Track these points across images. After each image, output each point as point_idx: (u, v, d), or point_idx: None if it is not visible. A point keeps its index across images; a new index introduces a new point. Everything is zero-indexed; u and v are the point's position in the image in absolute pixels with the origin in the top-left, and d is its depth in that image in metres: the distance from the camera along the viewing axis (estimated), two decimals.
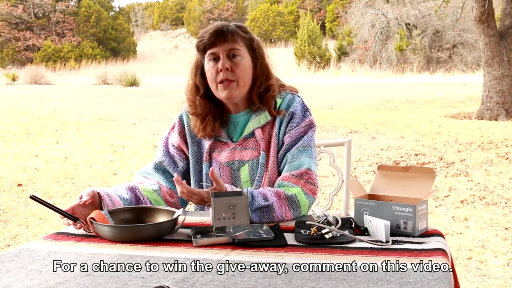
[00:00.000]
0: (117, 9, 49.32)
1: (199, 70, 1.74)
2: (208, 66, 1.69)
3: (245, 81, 1.69)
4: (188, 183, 1.80)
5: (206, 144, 1.76)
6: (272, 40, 42.81)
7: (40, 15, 40.39)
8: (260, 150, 1.71)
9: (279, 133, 1.72)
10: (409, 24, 27.56)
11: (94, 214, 1.42)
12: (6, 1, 38.07)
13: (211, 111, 1.74)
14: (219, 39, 1.66)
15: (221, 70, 1.65)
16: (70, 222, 1.48)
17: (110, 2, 44.69)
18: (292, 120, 1.70)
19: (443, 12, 22.04)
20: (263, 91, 1.72)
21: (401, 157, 6.81)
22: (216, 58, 1.67)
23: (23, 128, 9.93)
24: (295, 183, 1.62)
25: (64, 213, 1.47)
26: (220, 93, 1.68)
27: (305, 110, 1.72)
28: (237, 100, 1.71)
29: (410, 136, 8.42)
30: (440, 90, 17.93)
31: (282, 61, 29.83)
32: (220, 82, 1.66)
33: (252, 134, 1.72)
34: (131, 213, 1.54)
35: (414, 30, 27.20)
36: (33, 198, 1.47)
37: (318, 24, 30.48)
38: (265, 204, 1.52)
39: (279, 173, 1.70)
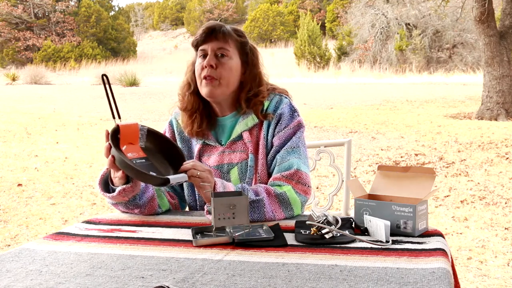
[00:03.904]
0: (117, 9, 49.32)
1: (192, 67, 1.76)
2: (197, 63, 1.71)
3: (228, 82, 1.69)
4: (182, 186, 1.81)
5: (196, 148, 1.77)
6: (272, 40, 42.81)
7: (40, 15, 40.39)
8: (248, 152, 1.71)
9: (267, 135, 1.72)
10: (409, 24, 27.56)
11: (130, 123, 1.46)
12: (6, 1, 38.07)
13: (200, 108, 1.75)
14: (210, 36, 1.68)
15: (205, 67, 1.67)
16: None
17: (110, 2, 44.69)
18: (280, 122, 1.70)
19: (442, 12, 22.04)
20: (252, 95, 1.72)
21: (401, 157, 6.81)
22: (205, 55, 1.69)
23: (23, 128, 9.93)
24: (286, 183, 1.62)
25: (112, 107, 1.46)
26: (203, 89, 1.69)
27: (293, 111, 1.72)
28: (219, 99, 1.71)
29: (410, 136, 8.42)
30: (440, 90, 17.93)
31: (282, 61, 29.86)
32: (203, 78, 1.68)
33: (240, 137, 1.72)
34: (160, 146, 1.55)
35: (414, 30, 27.21)
36: (103, 77, 1.48)
37: (318, 24, 30.50)
38: (256, 198, 1.53)
39: (269, 175, 1.70)
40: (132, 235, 1.44)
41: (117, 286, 1.07)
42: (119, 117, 1.47)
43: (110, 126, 1.47)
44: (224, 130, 1.76)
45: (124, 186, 1.52)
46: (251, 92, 1.72)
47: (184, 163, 1.50)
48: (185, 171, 1.47)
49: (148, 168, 1.46)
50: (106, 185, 1.62)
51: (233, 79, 1.70)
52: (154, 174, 1.45)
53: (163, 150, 1.55)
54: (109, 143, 1.43)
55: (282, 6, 46.09)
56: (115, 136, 1.45)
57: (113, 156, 1.43)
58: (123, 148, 1.45)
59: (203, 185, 1.48)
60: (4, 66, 36.93)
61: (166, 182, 1.41)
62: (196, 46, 1.72)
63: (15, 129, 9.83)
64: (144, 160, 1.48)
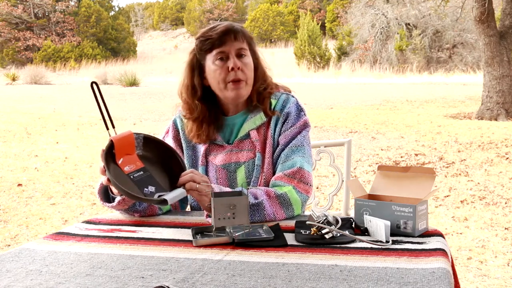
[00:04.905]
0: (117, 9, 49.34)
1: (197, 71, 1.71)
2: (215, 66, 1.65)
3: (251, 81, 1.70)
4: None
5: (202, 147, 1.74)
6: (272, 40, 42.81)
7: (40, 15, 40.39)
8: (255, 151, 1.70)
9: (274, 134, 1.71)
10: (409, 24, 27.56)
11: (124, 134, 1.43)
12: (6, 1, 38.06)
13: (206, 115, 1.71)
14: (230, 38, 1.64)
15: (232, 69, 1.63)
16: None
17: (110, 2, 44.69)
18: (287, 121, 1.70)
19: (442, 12, 22.04)
20: (262, 89, 1.72)
21: (401, 157, 6.81)
22: (224, 58, 1.65)
23: (23, 128, 9.93)
24: (287, 182, 1.61)
25: (104, 114, 1.42)
26: (229, 93, 1.66)
27: (299, 110, 1.72)
28: (243, 100, 1.71)
29: (410, 136, 8.42)
30: (440, 90, 17.93)
31: (282, 61, 29.84)
32: (231, 81, 1.64)
33: (247, 135, 1.71)
34: (158, 153, 1.52)
35: (414, 30, 27.20)
36: (93, 85, 1.46)
37: (318, 24, 30.50)
38: (255, 202, 1.52)
39: (274, 174, 1.69)
40: (132, 235, 1.44)
41: (117, 286, 1.07)
42: (113, 127, 1.45)
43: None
44: (232, 129, 1.75)
45: (124, 196, 1.52)
46: (262, 86, 1.72)
47: (182, 174, 1.48)
48: (183, 184, 1.46)
49: (146, 181, 1.45)
50: (106, 193, 1.62)
51: (253, 77, 1.70)
52: (153, 190, 1.44)
53: (161, 157, 1.53)
54: (104, 166, 1.41)
55: (282, 6, 46.10)
56: (111, 152, 1.43)
57: (108, 179, 1.42)
58: (120, 161, 1.44)
59: (202, 198, 1.48)
60: (4, 66, 36.92)
61: (163, 202, 1.41)
62: (209, 49, 1.66)
63: (15, 129, 9.83)
64: (142, 172, 1.46)
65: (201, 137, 1.72)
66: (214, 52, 1.65)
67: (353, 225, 1.44)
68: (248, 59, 1.68)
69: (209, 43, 1.65)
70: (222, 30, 1.65)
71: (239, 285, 1.07)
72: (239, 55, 1.66)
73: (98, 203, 4.85)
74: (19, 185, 5.57)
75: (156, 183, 1.47)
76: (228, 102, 1.72)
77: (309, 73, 27.16)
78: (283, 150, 1.69)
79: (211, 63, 1.67)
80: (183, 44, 47.37)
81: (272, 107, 1.73)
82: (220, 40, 1.64)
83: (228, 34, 1.64)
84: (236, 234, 1.35)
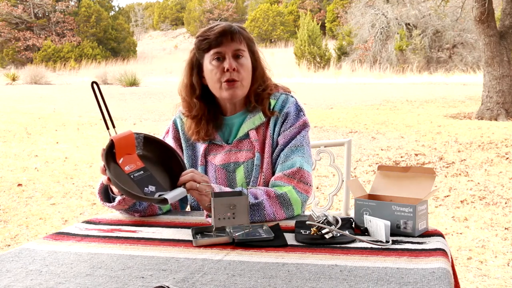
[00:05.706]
0: (117, 9, 49.36)
1: (196, 70, 1.72)
2: (211, 66, 1.67)
3: (247, 82, 1.70)
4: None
5: (201, 147, 1.75)
6: (272, 40, 42.82)
7: (40, 15, 40.40)
8: (255, 151, 1.70)
9: (273, 134, 1.71)
10: (409, 24, 27.57)
11: (124, 134, 1.43)
12: (6, 1, 38.07)
13: (205, 113, 1.72)
14: (227, 38, 1.65)
15: (227, 70, 1.64)
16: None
17: (110, 2, 44.69)
18: (286, 121, 1.70)
19: (442, 12, 22.05)
20: (260, 90, 1.72)
21: (401, 157, 6.81)
22: (220, 58, 1.66)
23: (23, 128, 9.93)
24: (287, 182, 1.62)
25: (104, 114, 1.43)
26: (224, 93, 1.67)
27: (299, 110, 1.72)
28: (238, 100, 1.71)
29: (410, 136, 8.42)
30: (440, 90, 17.94)
31: (282, 61, 29.84)
32: (226, 81, 1.65)
33: (246, 135, 1.72)
34: (159, 153, 1.52)
35: (414, 30, 27.21)
36: (94, 85, 1.46)
37: (318, 24, 30.51)
38: (255, 202, 1.52)
39: (274, 174, 1.70)
40: (132, 235, 1.44)
41: (117, 286, 1.07)
42: (114, 126, 1.45)
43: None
44: (231, 129, 1.75)
45: (124, 195, 1.52)
46: (261, 87, 1.72)
47: (183, 173, 1.48)
48: (183, 183, 1.46)
49: (146, 181, 1.45)
50: (106, 193, 1.62)
51: (250, 78, 1.70)
52: (153, 189, 1.45)
53: (161, 157, 1.53)
54: (104, 165, 1.41)
55: (282, 6, 46.11)
56: (111, 151, 1.43)
57: (109, 178, 1.42)
58: (120, 161, 1.44)
59: (202, 198, 1.48)
60: (4, 66, 36.93)
61: (163, 201, 1.41)
62: (207, 48, 1.67)
63: (15, 129, 9.83)
64: (142, 172, 1.46)
65: (200, 134, 1.72)
66: (211, 52, 1.66)
67: (353, 225, 1.44)
68: (245, 60, 1.68)
69: (207, 43, 1.66)
70: (219, 30, 1.65)
71: (239, 285, 1.07)
72: (236, 56, 1.66)
73: (98, 203, 4.85)
74: (19, 185, 5.57)
75: (156, 183, 1.47)
76: (225, 102, 1.73)
77: (309, 73, 27.17)
78: (282, 150, 1.69)
79: (208, 63, 1.68)
80: (183, 44, 47.39)
81: (272, 107, 1.73)
82: (217, 40, 1.65)
83: (225, 35, 1.65)
84: (236, 234, 1.35)
